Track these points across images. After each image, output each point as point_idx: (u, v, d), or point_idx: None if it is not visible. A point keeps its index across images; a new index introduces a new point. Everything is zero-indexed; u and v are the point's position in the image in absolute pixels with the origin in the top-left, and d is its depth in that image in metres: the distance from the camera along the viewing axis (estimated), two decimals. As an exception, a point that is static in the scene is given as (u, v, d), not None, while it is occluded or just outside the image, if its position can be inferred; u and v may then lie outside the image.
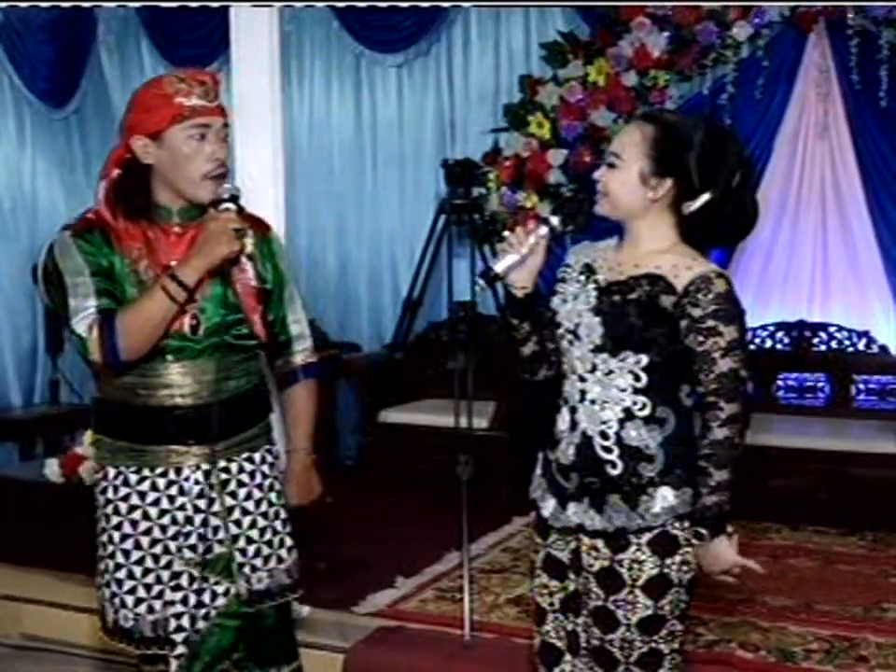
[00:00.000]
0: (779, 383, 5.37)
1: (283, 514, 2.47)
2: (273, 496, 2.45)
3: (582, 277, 2.16)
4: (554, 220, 2.12)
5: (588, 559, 2.13)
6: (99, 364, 2.25)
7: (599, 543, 2.11)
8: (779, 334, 5.42)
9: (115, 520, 2.36)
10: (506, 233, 2.16)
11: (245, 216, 2.33)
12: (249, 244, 2.36)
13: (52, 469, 4.27)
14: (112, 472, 2.38)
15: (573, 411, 2.13)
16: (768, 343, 5.43)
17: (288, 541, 2.47)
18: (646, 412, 2.07)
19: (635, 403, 2.07)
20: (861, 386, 5.24)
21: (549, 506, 2.19)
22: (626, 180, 2.09)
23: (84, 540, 3.88)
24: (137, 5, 5.93)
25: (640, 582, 2.07)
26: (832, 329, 5.34)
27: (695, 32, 5.20)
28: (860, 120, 5.17)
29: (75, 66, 6.49)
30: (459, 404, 3.65)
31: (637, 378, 2.07)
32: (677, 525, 2.08)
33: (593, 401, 2.10)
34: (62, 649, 3.82)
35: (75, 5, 5.59)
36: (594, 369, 2.10)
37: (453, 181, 5.24)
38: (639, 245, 2.14)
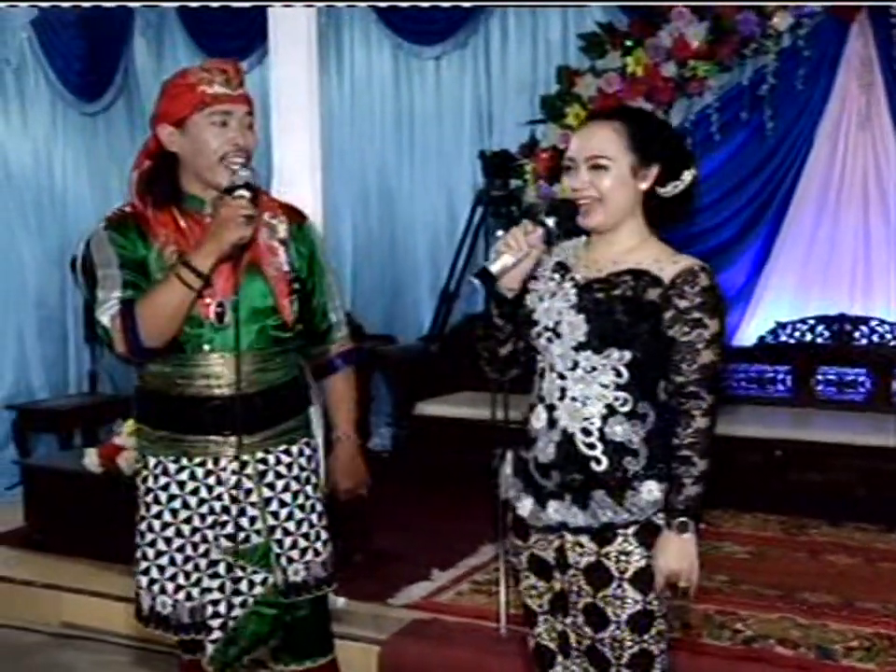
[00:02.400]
0: (819, 377, 5.31)
1: (319, 507, 2.48)
2: (309, 488, 2.46)
3: (557, 275, 2.15)
4: (550, 222, 2.08)
5: (574, 556, 2.11)
6: (124, 353, 2.28)
7: (584, 539, 2.09)
8: (820, 328, 5.36)
9: (155, 508, 2.39)
10: (500, 233, 2.12)
11: (276, 202, 2.42)
12: (282, 229, 2.40)
13: (91, 459, 4.32)
14: (152, 461, 2.40)
15: (551, 409, 2.11)
16: (808, 337, 5.37)
17: (324, 534, 2.48)
18: (627, 407, 2.06)
19: (616, 399, 2.06)
20: (903, 381, 5.17)
21: (526, 505, 2.16)
22: (619, 177, 2.06)
23: (123, 530, 3.90)
24: (172, 4, 5.97)
25: (628, 575, 2.06)
26: (873, 323, 5.27)
27: (735, 22, 5.14)
28: (903, 112, 5.09)
29: (108, 61, 6.53)
30: (495, 397, 3.64)
31: (619, 374, 2.06)
32: (660, 515, 2.06)
33: (574, 398, 2.08)
34: (101, 637, 3.87)
35: (103, 4, 5.65)
36: (575, 366, 2.08)
37: (490, 173, 5.24)
38: (614, 243, 2.12)
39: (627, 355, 2.05)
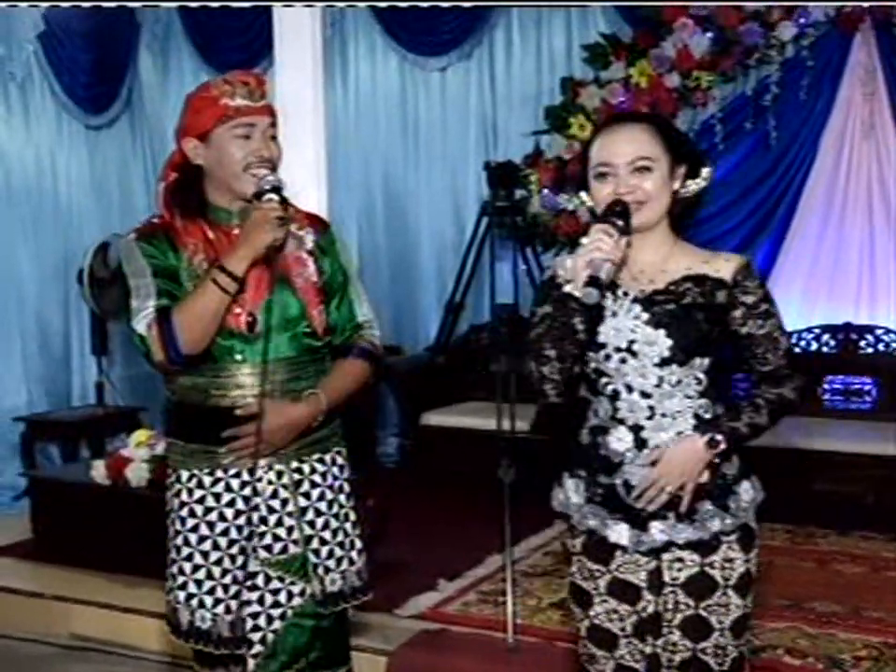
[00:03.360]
0: (825, 386, 5.31)
1: (352, 516, 2.47)
2: (343, 497, 2.45)
3: (607, 293, 2.03)
4: (620, 222, 2.01)
5: (672, 573, 2.09)
6: (163, 362, 2.27)
7: (685, 553, 2.07)
8: (825, 336, 5.36)
9: (191, 522, 2.36)
10: (584, 240, 2.00)
11: (302, 213, 2.43)
12: (309, 240, 2.41)
13: (99, 470, 4.32)
14: (185, 475, 2.38)
15: (637, 429, 2.06)
16: (814, 346, 5.37)
17: (358, 543, 2.47)
18: (710, 413, 2.06)
19: (700, 407, 2.06)
20: (910, 390, 5.17)
21: (621, 531, 2.09)
22: (662, 178, 2.05)
23: (131, 541, 3.95)
24: (172, 4, 5.98)
25: (732, 581, 2.07)
26: (879, 332, 5.27)
27: (739, 32, 5.16)
28: (907, 120, 5.10)
29: (114, 74, 6.57)
30: (501, 407, 3.64)
31: (700, 382, 2.06)
32: (753, 517, 2.10)
33: (664, 415, 2.05)
34: (110, 649, 3.86)
35: (120, 5, 5.67)
36: (660, 382, 2.04)
37: (495, 183, 5.24)
38: (651, 250, 2.08)
39: (707, 361, 2.06)
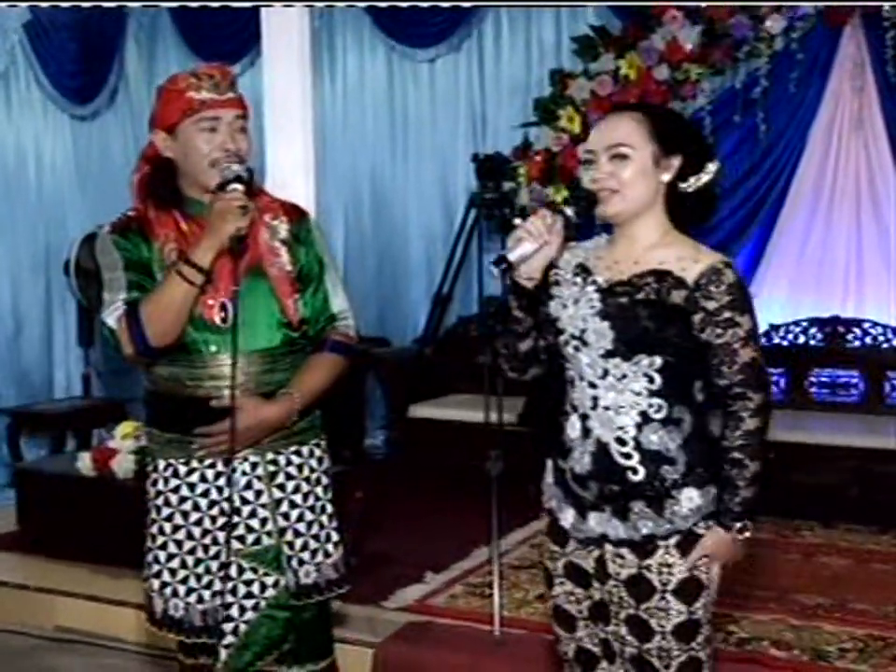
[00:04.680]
0: (812, 379, 5.32)
1: (329, 509, 2.47)
2: (319, 490, 2.45)
3: (578, 279, 2.09)
4: (569, 211, 2.04)
5: (614, 567, 2.08)
6: (132, 355, 2.29)
7: (624, 551, 2.05)
8: (813, 330, 5.37)
9: (166, 511, 2.38)
10: (517, 221, 2.06)
11: (277, 202, 2.43)
12: (283, 230, 2.40)
13: (84, 462, 4.31)
14: (162, 464, 2.40)
15: (584, 418, 2.06)
16: (801, 339, 5.38)
17: (335, 536, 2.47)
18: (662, 413, 2.00)
19: (650, 406, 2.00)
20: (896, 383, 5.18)
21: (568, 516, 2.12)
22: (642, 166, 2.02)
23: (116, 533, 3.93)
24: (165, 5, 5.97)
25: (671, 587, 2.02)
26: (866, 325, 5.28)
27: (728, 25, 5.16)
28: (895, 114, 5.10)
29: (101, 64, 6.54)
30: (489, 399, 3.64)
31: (652, 380, 2.00)
32: (702, 524, 2.03)
33: (606, 407, 2.03)
34: (95, 641, 3.85)
35: (100, 4, 5.65)
36: (605, 374, 2.03)
37: (483, 175, 5.22)
38: (636, 240, 2.07)
39: (658, 360, 2.00)
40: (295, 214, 2.48)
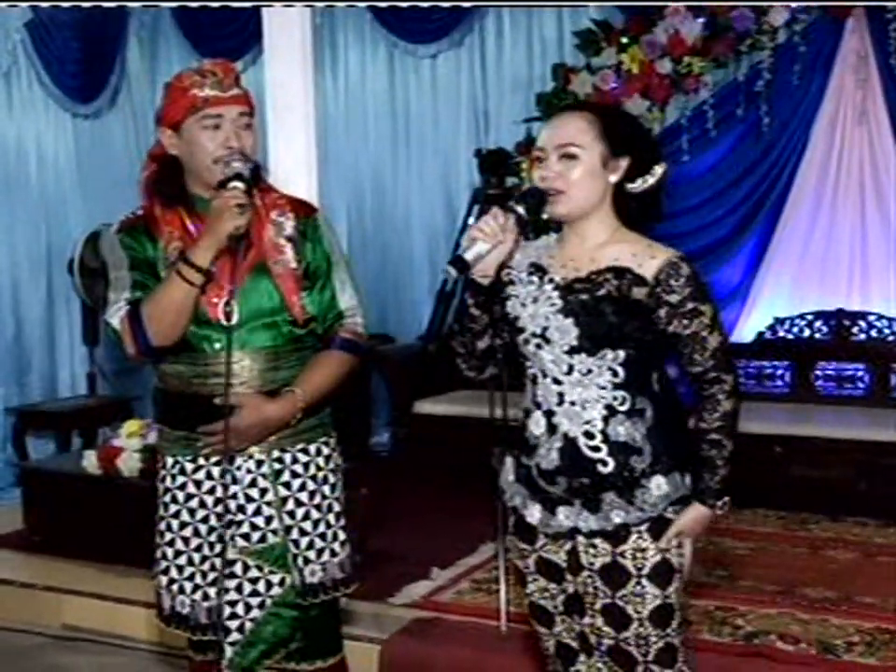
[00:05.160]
0: (818, 372, 5.30)
1: (336, 507, 2.46)
2: (326, 488, 2.44)
3: (535, 278, 2.11)
4: (521, 209, 2.05)
5: (587, 557, 2.10)
6: (134, 354, 2.30)
7: (597, 541, 2.08)
8: (818, 323, 5.36)
9: (173, 508, 2.39)
10: (471, 220, 2.13)
11: (285, 198, 2.42)
12: (289, 226, 2.39)
13: (90, 461, 4.31)
14: (170, 461, 2.41)
15: (549, 414, 2.08)
16: (806, 333, 5.37)
17: (342, 535, 2.46)
18: (627, 405, 2.05)
19: (615, 399, 2.04)
20: (902, 376, 5.17)
21: (534, 512, 2.14)
22: (590, 167, 2.04)
23: (122, 532, 3.94)
24: (165, 5, 5.97)
25: (646, 571, 2.06)
26: (871, 318, 5.27)
27: (731, 18, 5.15)
28: (900, 107, 5.09)
29: (103, 63, 6.52)
30: (494, 395, 3.63)
31: (615, 374, 2.04)
32: (671, 509, 2.08)
33: (573, 403, 2.06)
34: (102, 639, 3.86)
35: (99, 4, 5.65)
36: (570, 370, 2.05)
37: (486, 171, 5.23)
38: (586, 238, 2.09)
39: (622, 353, 2.04)
40: (303, 210, 2.46)
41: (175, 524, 2.38)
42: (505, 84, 5.93)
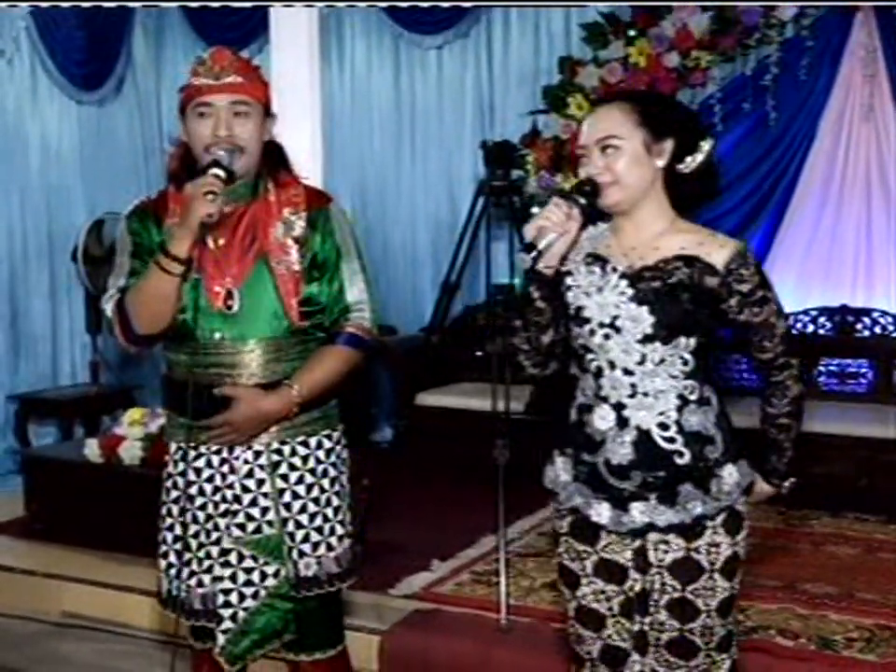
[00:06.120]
0: (821, 368, 5.30)
1: (336, 502, 2.44)
2: (326, 482, 2.42)
3: (595, 268, 2.09)
4: (582, 200, 2.04)
5: (658, 554, 2.08)
6: (123, 342, 2.33)
7: (670, 537, 2.07)
8: (822, 319, 5.35)
9: (174, 494, 2.41)
10: (535, 209, 2.12)
11: (303, 191, 2.39)
12: (299, 226, 2.36)
13: (92, 449, 4.32)
14: (173, 447, 2.43)
15: (619, 407, 2.04)
16: (810, 329, 5.36)
17: (339, 529, 2.44)
18: (696, 394, 2.05)
19: (686, 388, 2.04)
20: (905, 373, 5.16)
21: (602, 512, 2.09)
22: (634, 155, 2.03)
23: (124, 520, 3.94)
24: (166, 5, 5.96)
25: (718, 566, 2.07)
26: (875, 315, 5.26)
27: (738, 12, 5.13)
28: (907, 102, 5.08)
29: (108, 51, 6.50)
30: (496, 388, 3.63)
31: (686, 362, 2.04)
32: (740, 500, 2.10)
33: (646, 393, 2.03)
34: (102, 627, 3.86)
35: (100, 4, 5.65)
36: (643, 360, 2.03)
37: (491, 163, 5.22)
38: (642, 227, 2.08)
39: (693, 341, 2.04)
40: (317, 200, 2.42)
41: (175, 509, 2.40)
42: (511, 76, 5.91)
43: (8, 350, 6.21)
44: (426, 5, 5.57)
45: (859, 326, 5.28)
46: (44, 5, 5.85)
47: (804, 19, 5.10)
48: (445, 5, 5.63)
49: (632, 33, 5.34)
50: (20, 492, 4.61)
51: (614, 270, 2.07)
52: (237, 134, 2.28)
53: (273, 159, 2.41)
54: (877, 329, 5.25)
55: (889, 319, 5.23)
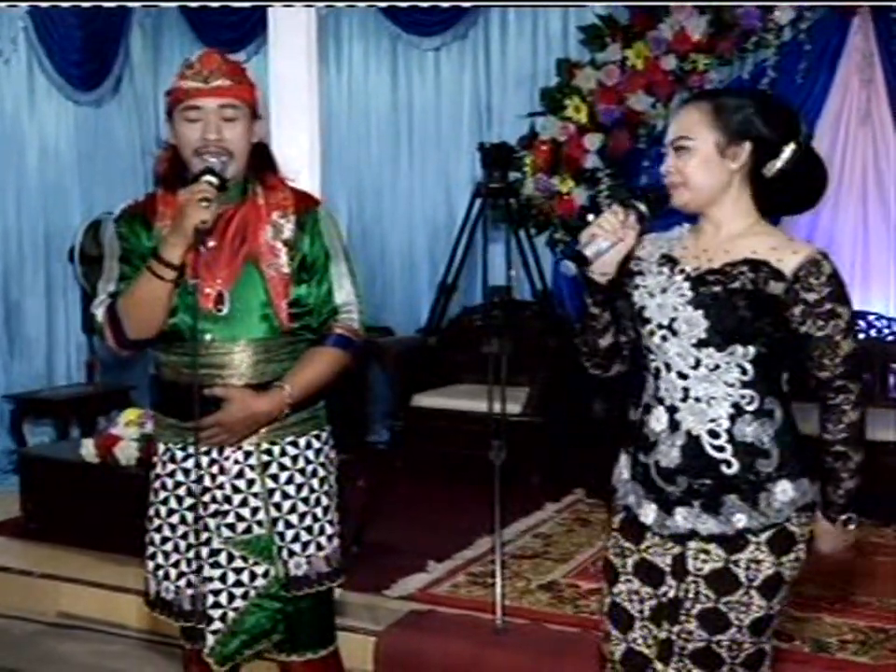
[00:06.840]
0: (816, 372, 5.30)
1: (325, 501, 2.44)
2: (315, 482, 2.42)
3: (665, 269, 2.07)
4: (642, 207, 2.02)
5: (696, 563, 2.04)
6: (115, 347, 2.33)
7: (711, 546, 2.02)
8: (818, 322, 5.35)
9: (162, 495, 2.40)
10: (590, 217, 2.04)
11: (291, 194, 2.39)
12: (288, 230, 2.36)
13: (88, 449, 4.31)
14: (162, 448, 2.42)
15: (672, 410, 2.03)
16: (806, 331, 5.36)
17: (329, 529, 2.45)
18: (755, 405, 1.99)
19: (743, 397, 1.99)
20: (899, 376, 5.17)
21: (649, 513, 2.08)
22: (705, 157, 2.00)
23: (120, 520, 3.94)
24: (165, 5, 5.96)
25: (757, 583, 2.00)
26: (871, 318, 5.27)
27: (736, 15, 5.14)
28: (904, 107, 5.09)
29: (105, 51, 6.50)
30: (493, 389, 3.64)
31: (745, 371, 1.98)
32: (795, 520, 2.02)
33: (698, 399, 2.00)
34: (98, 627, 3.86)
35: (100, 4, 5.65)
36: (697, 364, 2.00)
37: (489, 165, 5.22)
38: (721, 228, 2.05)
39: (752, 350, 1.97)
40: (305, 203, 2.43)
41: (163, 510, 2.40)
42: (509, 78, 5.92)
43: (4, 350, 6.20)
44: (425, 5, 5.57)
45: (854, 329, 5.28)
46: (43, 4, 5.85)
47: (801, 22, 5.12)
48: (445, 5, 5.64)
49: (629, 35, 5.35)
50: (15, 492, 4.61)
51: (681, 272, 2.05)
52: (226, 138, 2.28)
53: (261, 160, 2.41)
54: (873, 333, 5.26)
55: (885, 323, 5.23)
